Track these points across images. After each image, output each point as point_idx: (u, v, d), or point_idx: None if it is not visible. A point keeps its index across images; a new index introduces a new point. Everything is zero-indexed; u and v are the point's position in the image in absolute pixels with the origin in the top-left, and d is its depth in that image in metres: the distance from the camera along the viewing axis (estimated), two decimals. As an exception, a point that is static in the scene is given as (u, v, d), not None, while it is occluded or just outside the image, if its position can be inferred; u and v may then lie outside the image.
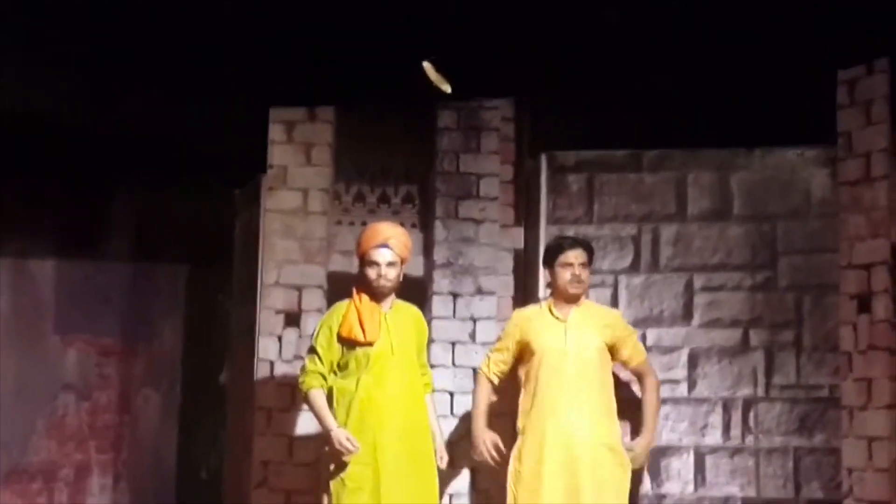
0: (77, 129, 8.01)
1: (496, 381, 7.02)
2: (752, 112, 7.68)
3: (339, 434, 6.49)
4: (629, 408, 7.09)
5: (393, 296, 6.73)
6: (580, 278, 6.83)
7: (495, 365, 6.99)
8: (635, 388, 7.22)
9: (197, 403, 9.16)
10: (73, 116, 7.87)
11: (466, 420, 7.63)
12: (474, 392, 7.13)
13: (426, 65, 8.06)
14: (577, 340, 6.76)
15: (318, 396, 6.63)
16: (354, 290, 6.70)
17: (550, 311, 6.88)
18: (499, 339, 7.11)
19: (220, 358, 8.87)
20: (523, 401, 6.87)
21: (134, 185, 8.95)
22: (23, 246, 8.85)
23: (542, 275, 7.67)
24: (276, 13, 7.78)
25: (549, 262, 6.94)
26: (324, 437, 6.67)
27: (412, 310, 6.85)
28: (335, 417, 6.57)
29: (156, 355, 9.27)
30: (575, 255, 6.84)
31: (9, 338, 8.84)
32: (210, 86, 8.06)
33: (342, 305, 6.71)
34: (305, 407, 7.04)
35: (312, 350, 6.70)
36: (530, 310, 7.09)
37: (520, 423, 6.85)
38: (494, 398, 7.08)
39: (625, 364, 6.99)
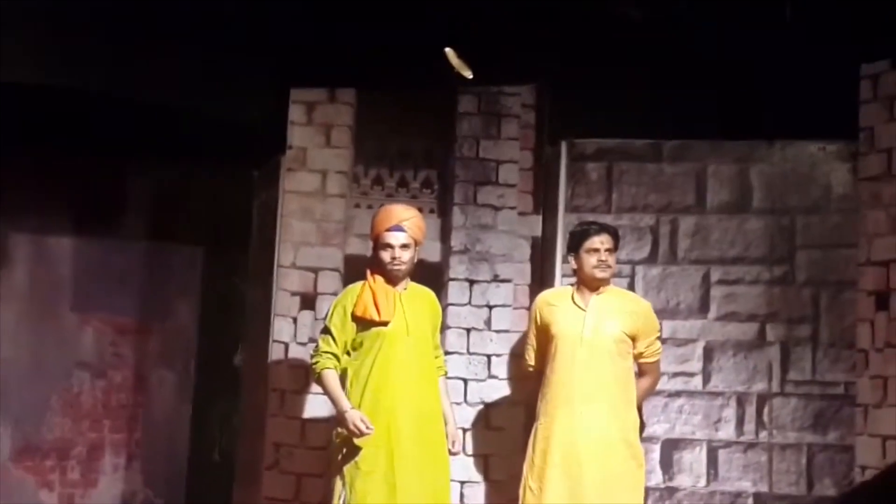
0: (95, 108, 7.98)
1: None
2: (773, 105, 7.64)
3: (354, 415, 6.41)
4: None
5: (408, 279, 6.69)
6: (607, 263, 6.70)
7: (533, 358, 6.89)
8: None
9: (211, 384, 9.12)
10: (91, 95, 7.83)
11: (480, 408, 7.65)
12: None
13: (448, 50, 8.04)
14: (595, 329, 6.62)
15: (332, 377, 6.57)
16: (369, 272, 6.66)
17: (573, 298, 6.76)
18: (528, 336, 6.97)
19: (235, 339, 8.86)
20: (541, 387, 6.76)
21: (152, 165, 8.91)
22: (40, 223, 8.83)
23: (559, 263, 7.68)
24: (300, -5, 7.78)
25: (575, 247, 6.78)
26: (337, 419, 6.61)
27: (426, 292, 6.80)
28: (348, 399, 6.52)
29: (171, 335, 9.24)
30: (601, 241, 6.70)
31: (25, 314, 8.81)
32: (230, 65, 8.04)
33: (356, 286, 6.68)
34: (318, 390, 7.01)
35: (326, 330, 6.65)
36: (554, 293, 7.01)
37: (537, 409, 6.76)
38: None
39: (635, 357, 6.76)
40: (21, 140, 8.26)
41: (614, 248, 6.80)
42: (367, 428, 6.37)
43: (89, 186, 8.88)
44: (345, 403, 6.48)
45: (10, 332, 8.67)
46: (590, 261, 6.69)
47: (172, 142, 8.43)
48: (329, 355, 6.58)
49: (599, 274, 6.68)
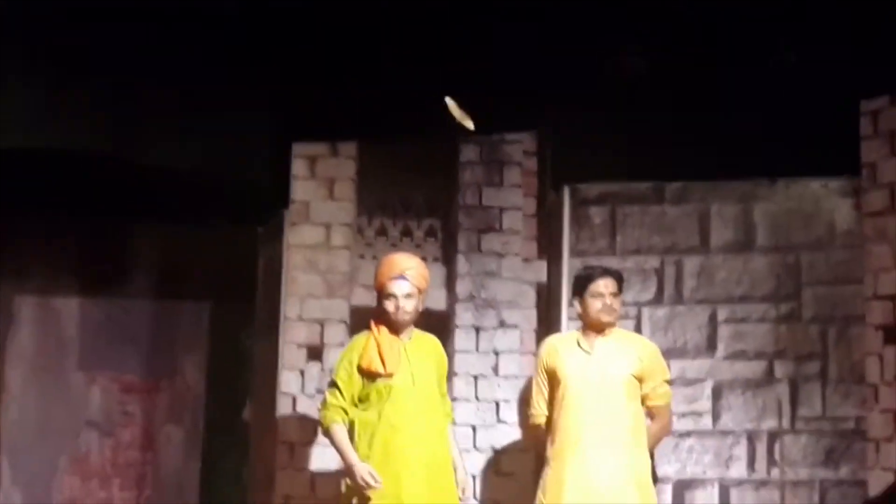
0: (100, 167, 8.01)
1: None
2: (775, 143, 7.64)
3: (362, 469, 6.41)
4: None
5: (412, 327, 6.68)
6: (612, 307, 6.67)
7: (542, 407, 6.80)
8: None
9: (220, 439, 9.11)
10: (95, 154, 7.86)
11: (489, 454, 7.63)
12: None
13: (448, 100, 8.08)
14: (602, 372, 6.57)
15: (340, 431, 6.57)
16: (373, 323, 6.65)
17: (578, 343, 6.71)
18: (535, 383, 6.84)
19: (243, 394, 8.85)
20: (550, 432, 6.69)
21: (157, 223, 8.94)
22: (46, 283, 8.85)
23: (566, 308, 7.69)
24: (299, 49, 7.82)
25: (579, 291, 6.74)
26: (346, 472, 6.59)
27: (431, 340, 6.79)
28: (357, 450, 6.50)
29: (179, 392, 9.24)
30: (605, 284, 6.67)
31: (32, 375, 8.83)
32: (233, 121, 8.07)
33: (361, 338, 6.68)
34: (327, 441, 6.99)
35: (333, 384, 6.64)
36: (559, 338, 6.96)
37: (546, 454, 6.70)
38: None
39: (642, 399, 6.67)
40: (25, 203, 8.30)
41: (619, 292, 6.75)
42: (376, 481, 6.36)
43: (94, 246, 8.91)
44: (353, 457, 6.48)
45: (17, 393, 8.69)
46: (595, 305, 6.66)
47: (176, 200, 8.46)
48: (337, 408, 6.57)
49: (605, 318, 6.66)
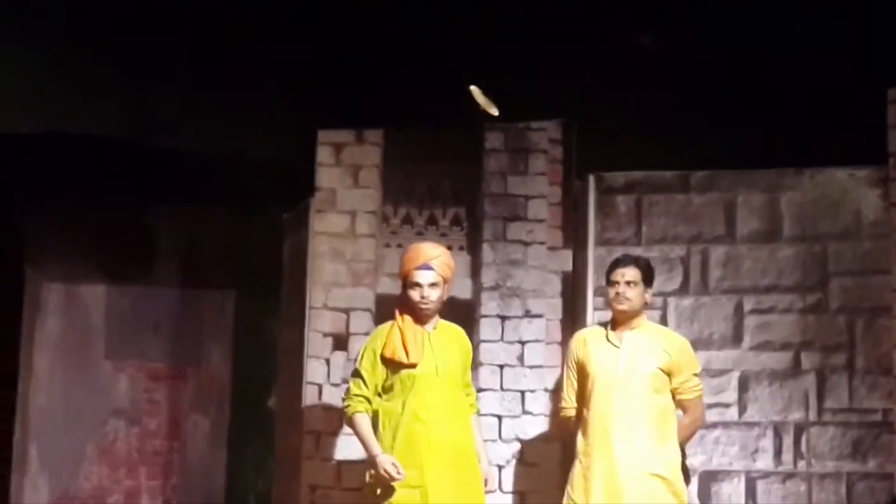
0: (126, 155, 8.04)
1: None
2: (801, 132, 7.61)
3: (384, 460, 6.37)
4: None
5: (437, 316, 6.63)
6: (625, 296, 6.58)
7: (572, 400, 6.77)
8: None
9: (245, 428, 9.16)
10: (122, 141, 7.89)
11: (515, 444, 7.62)
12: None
13: (473, 88, 8.06)
14: (630, 366, 6.53)
15: (363, 421, 6.54)
16: (397, 312, 6.61)
17: (607, 336, 6.67)
18: (566, 376, 6.82)
19: (269, 382, 8.88)
20: (580, 425, 6.65)
21: (181, 210, 8.99)
22: (73, 271, 8.89)
23: (591, 297, 7.68)
24: (325, 36, 7.82)
25: (606, 279, 6.72)
26: (369, 463, 6.57)
27: (456, 329, 6.75)
28: (381, 440, 6.46)
29: (204, 380, 9.29)
30: (622, 273, 6.60)
31: (60, 363, 8.87)
32: (258, 108, 8.09)
33: (385, 327, 6.65)
34: (352, 431, 6.99)
35: (356, 373, 6.60)
36: (589, 331, 6.89)
37: (577, 447, 6.66)
38: None
39: (672, 393, 6.60)
40: (51, 190, 8.33)
41: (642, 282, 6.64)
42: (398, 473, 6.34)
43: (120, 234, 8.94)
44: (375, 448, 6.44)
45: (44, 380, 8.73)
46: (611, 293, 6.65)
47: (201, 187, 8.49)
48: (360, 398, 6.54)
49: (617, 306, 6.62)
